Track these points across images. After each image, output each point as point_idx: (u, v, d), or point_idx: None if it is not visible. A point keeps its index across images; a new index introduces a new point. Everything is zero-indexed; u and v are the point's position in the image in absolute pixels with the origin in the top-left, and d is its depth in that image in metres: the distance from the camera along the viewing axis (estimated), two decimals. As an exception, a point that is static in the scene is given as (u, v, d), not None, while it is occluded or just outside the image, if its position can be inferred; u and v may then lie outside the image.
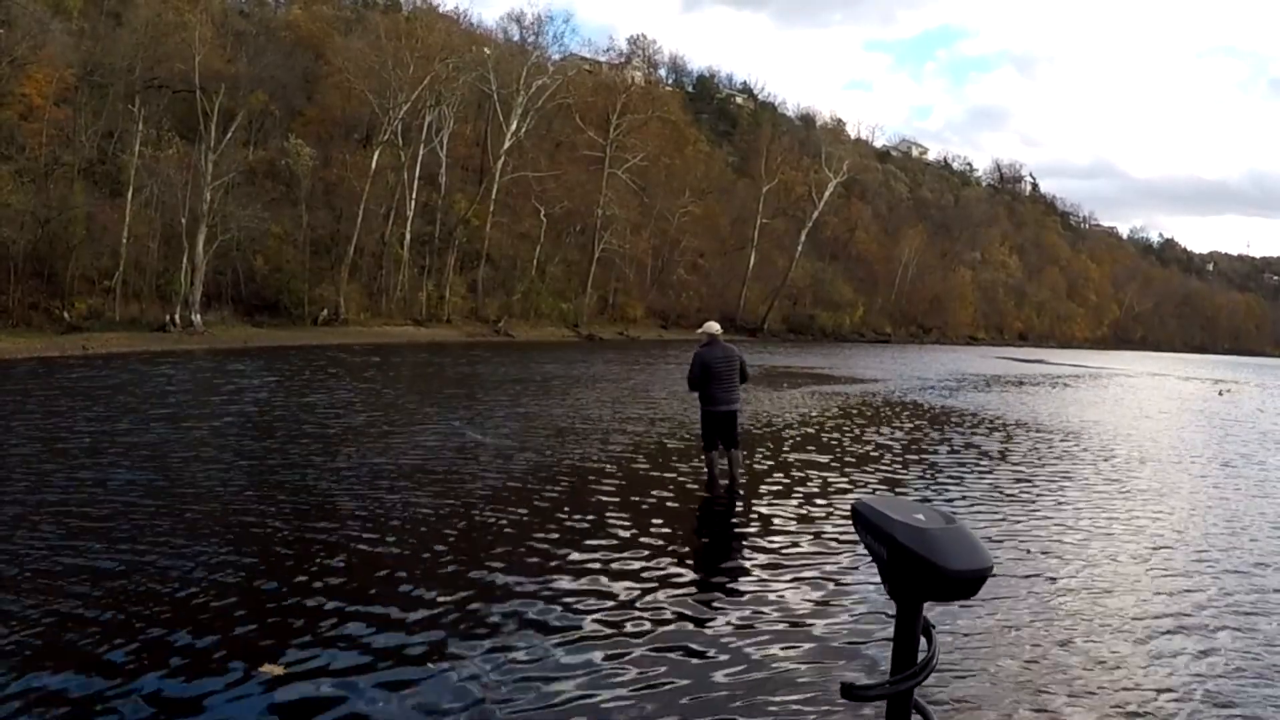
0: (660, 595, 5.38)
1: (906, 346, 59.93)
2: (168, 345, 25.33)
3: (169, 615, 4.69)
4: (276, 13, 51.53)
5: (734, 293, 56.10)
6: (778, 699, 4.01)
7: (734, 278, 56.94)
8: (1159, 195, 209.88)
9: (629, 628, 4.82)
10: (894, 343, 63.27)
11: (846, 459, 10.79)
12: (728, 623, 5.00)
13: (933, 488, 9.25)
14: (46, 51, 31.86)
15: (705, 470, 8.92)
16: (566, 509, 7.52)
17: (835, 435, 12.96)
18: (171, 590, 5.08)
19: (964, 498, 8.79)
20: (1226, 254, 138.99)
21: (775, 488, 8.83)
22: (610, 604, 5.17)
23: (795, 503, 8.17)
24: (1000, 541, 6.97)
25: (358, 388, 17.03)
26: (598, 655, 4.41)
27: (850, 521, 1.32)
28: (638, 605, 5.18)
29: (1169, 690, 4.31)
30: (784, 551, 6.48)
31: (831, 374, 27.09)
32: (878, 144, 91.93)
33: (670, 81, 75.33)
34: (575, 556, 6.09)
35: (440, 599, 5.11)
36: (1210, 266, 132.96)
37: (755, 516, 7.59)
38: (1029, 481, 9.89)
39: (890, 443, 12.38)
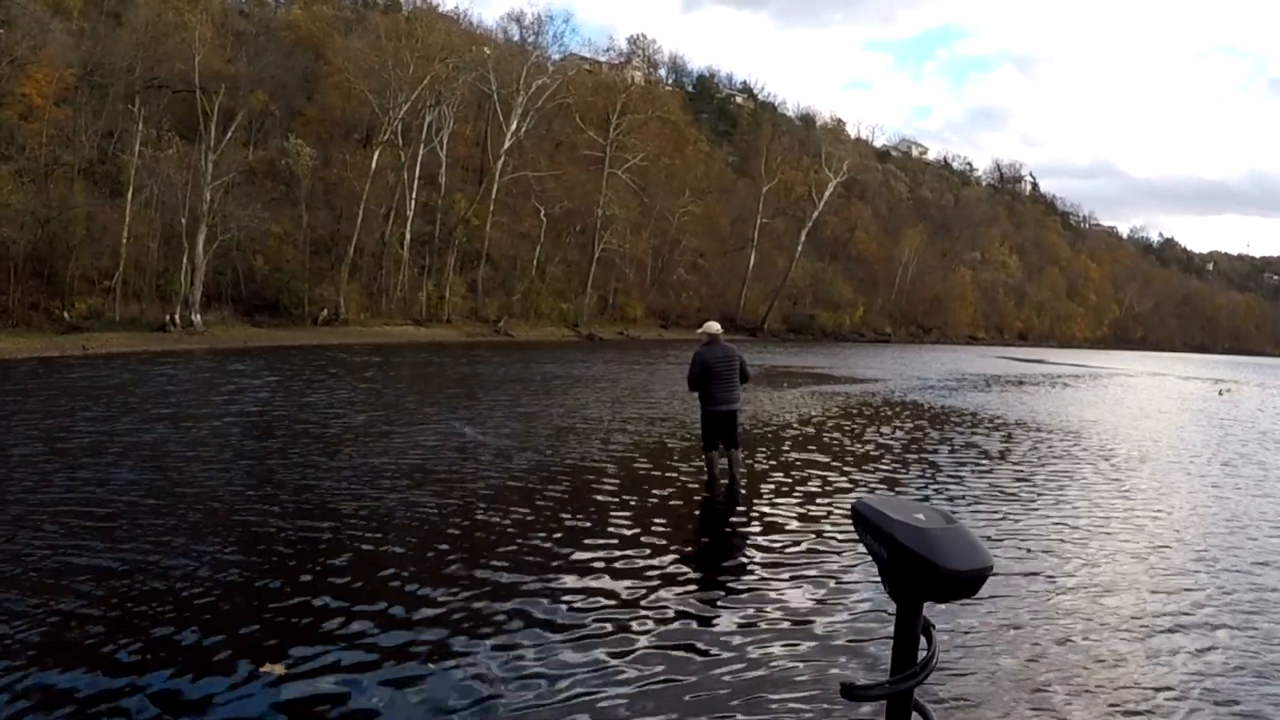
0: (662, 594, 5.40)
1: (906, 346, 59.95)
2: (168, 345, 25.35)
3: (173, 614, 4.71)
4: (276, 13, 51.55)
5: (734, 293, 56.13)
6: (779, 697, 4.03)
7: (734, 278, 56.96)
8: (1159, 195, 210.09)
9: (631, 626, 4.84)
10: (894, 343, 63.30)
11: (846, 459, 10.81)
12: (729, 621, 5.02)
13: (933, 487, 9.27)
14: (46, 51, 31.88)
15: (706, 470, 8.94)
16: (568, 508, 7.53)
17: (835, 435, 12.98)
18: (174, 589, 5.10)
19: (964, 497, 8.81)
20: (1226, 254, 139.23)
21: (775, 487, 8.85)
22: (612, 602, 5.19)
23: (795, 502, 8.19)
24: (1000, 541, 6.99)
25: (358, 388, 17.04)
26: (600, 653, 4.43)
27: (850, 521, 1.32)
28: (640, 604, 5.20)
29: (1168, 688, 4.33)
30: (784, 550, 6.50)
31: (831, 374, 27.11)
32: (878, 144, 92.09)
33: (670, 81, 75.39)
34: (577, 555, 6.11)
35: (443, 598, 5.13)
36: (1210, 266, 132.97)
37: (756, 516, 7.60)
38: (1029, 481, 9.91)
39: (890, 442, 12.40)
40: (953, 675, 4.29)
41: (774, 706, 3.94)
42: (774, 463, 10.27)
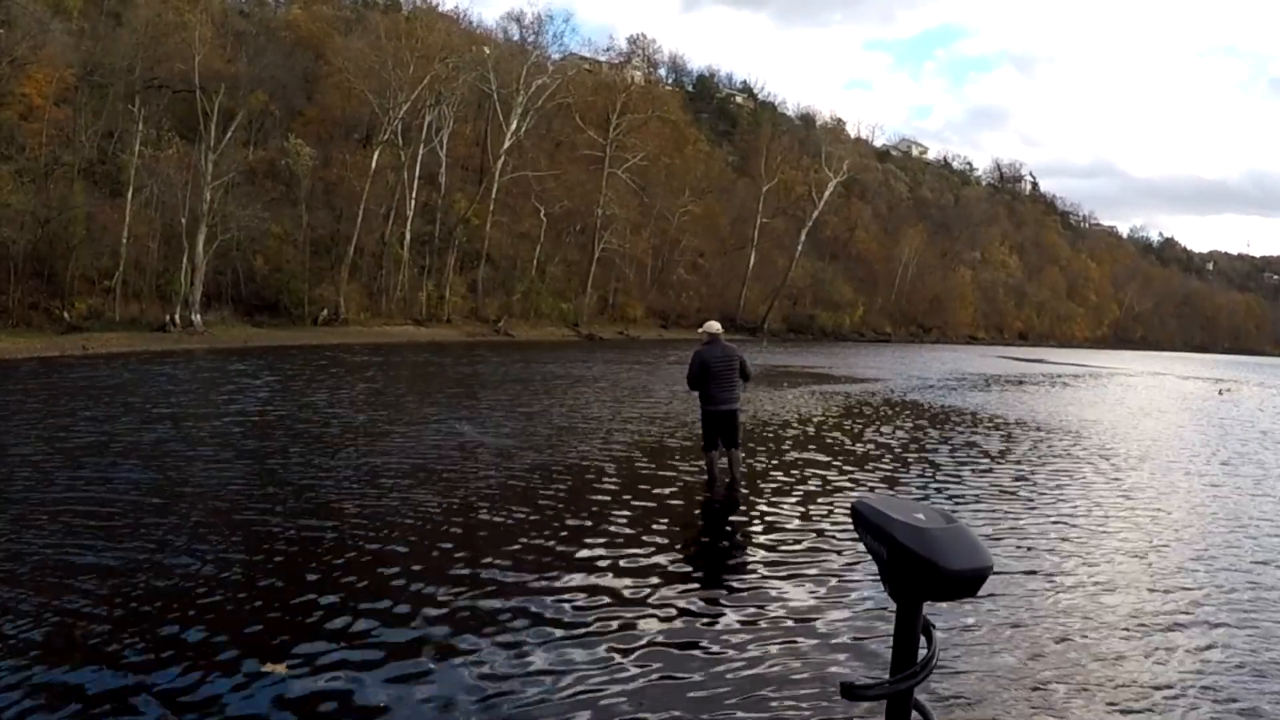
0: (664, 592, 5.43)
1: (906, 346, 59.95)
2: (168, 345, 25.37)
3: (176, 613, 4.73)
4: (276, 13, 51.54)
5: (734, 292, 56.13)
6: (779, 695, 4.05)
7: (734, 277, 56.97)
8: (1159, 195, 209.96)
9: (634, 624, 4.87)
10: (894, 342, 63.30)
11: (847, 458, 10.83)
12: (731, 619, 5.04)
13: (932, 487, 9.29)
14: (46, 51, 31.88)
15: (705, 470, 8.96)
16: (569, 508, 7.56)
17: (835, 434, 13.00)
18: (177, 588, 5.12)
19: (964, 496, 8.83)
20: (1226, 253, 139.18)
21: (776, 486, 8.87)
22: (614, 601, 5.21)
23: (796, 501, 8.21)
24: (1000, 540, 7.01)
25: (358, 387, 17.06)
26: (603, 650, 4.46)
27: (850, 520, 1.33)
28: (642, 602, 5.22)
29: (1167, 686, 4.36)
30: (785, 549, 6.52)
31: (831, 374, 27.13)
32: (877, 143, 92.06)
33: (670, 81, 75.38)
34: (578, 554, 6.14)
35: (445, 596, 5.15)
36: (1210, 266, 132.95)
37: (756, 515, 7.63)
38: (1028, 480, 9.94)
39: (890, 442, 12.42)
40: (952, 673, 4.31)
41: (775, 704, 3.96)
42: (774, 462, 10.29)
